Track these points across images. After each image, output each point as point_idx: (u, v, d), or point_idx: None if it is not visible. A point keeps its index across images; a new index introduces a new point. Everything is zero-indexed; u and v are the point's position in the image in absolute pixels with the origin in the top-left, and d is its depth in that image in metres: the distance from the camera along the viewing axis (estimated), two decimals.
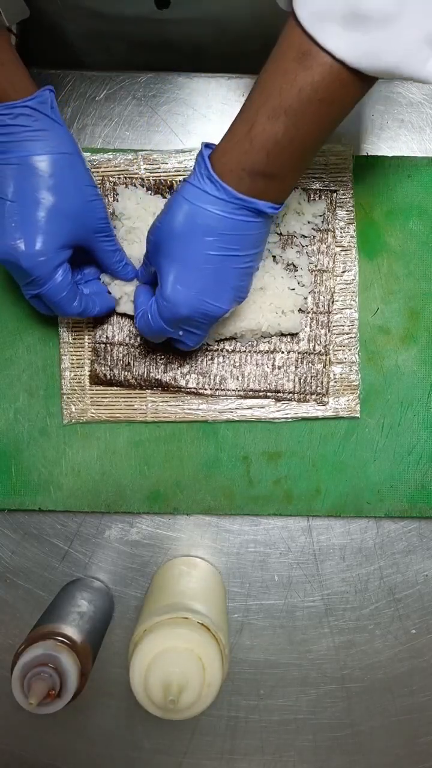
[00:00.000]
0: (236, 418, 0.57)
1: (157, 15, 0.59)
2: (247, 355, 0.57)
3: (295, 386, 0.57)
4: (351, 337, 0.57)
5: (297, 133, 0.41)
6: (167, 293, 0.45)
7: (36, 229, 0.45)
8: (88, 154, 0.57)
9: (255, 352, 0.57)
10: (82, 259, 0.52)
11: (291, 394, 0.57)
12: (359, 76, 0.39)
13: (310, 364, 0.57)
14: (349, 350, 0.57)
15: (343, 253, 0.57)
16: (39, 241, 0.45)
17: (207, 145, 0.44)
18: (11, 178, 0.45)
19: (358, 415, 0.57)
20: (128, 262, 0.53)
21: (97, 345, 0.57)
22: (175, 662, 0.43)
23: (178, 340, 0.50)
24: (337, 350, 0.57)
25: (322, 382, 0.57)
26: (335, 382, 0.57)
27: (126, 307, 0.55)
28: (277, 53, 0.40)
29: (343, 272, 0.57)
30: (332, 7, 0.36)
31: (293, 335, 0.57)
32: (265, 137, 0.41)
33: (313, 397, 0.57)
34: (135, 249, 0.55)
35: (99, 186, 0.56)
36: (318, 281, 0.57)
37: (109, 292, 0.55)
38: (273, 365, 0.57)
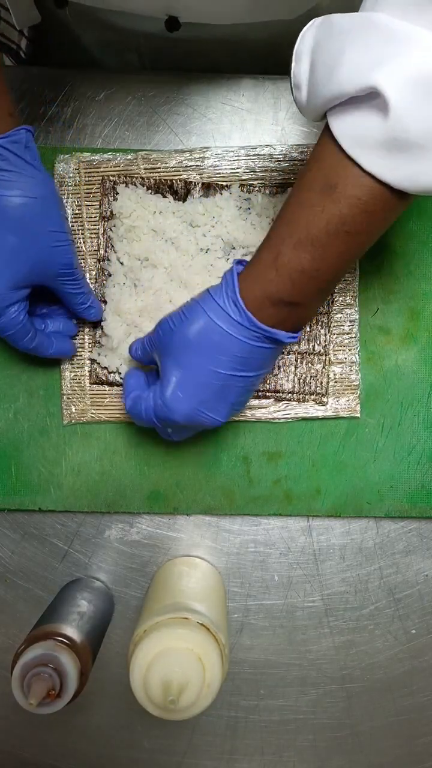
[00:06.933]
0: (236, 418, 0.57)
1: (168, 35, 0.59)
2: None
3: (294, 386, 0.57)
4: (351, 337, 0.57)
5: (323, 264, 0.40)
6: (167, 396, 0.45)
7: None
8: (88, 154, 0.57)
9: None
10: (51, 294, 0.52)
11: (290, 395, 0.57)
12: (393, 200, 0.37)
13: (310, 365, 0.57)
14: (349, 350, 0.57)
15: None
16: None
17: (239, 262, 0.44)
18: None
19: (358, 415, 0.57)
20: (92, 305, 0.53)
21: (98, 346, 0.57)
22: (175, 662, 0.43)
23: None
24: (337, 350, 0.57)
25: (321, 383, 0.57)
26: (335, 382, 0.57)
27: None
28: (304, 181, 0.39)
29: None
30: (372, 133, 0.35)
31: None
32: (291, 267, 0.40)
33: (312, 397, 0.57)
34: (135, 247, 0.55)
35: (99, 185, 0.56)
36: None
37: (74, 337, 0.55)
38: None
